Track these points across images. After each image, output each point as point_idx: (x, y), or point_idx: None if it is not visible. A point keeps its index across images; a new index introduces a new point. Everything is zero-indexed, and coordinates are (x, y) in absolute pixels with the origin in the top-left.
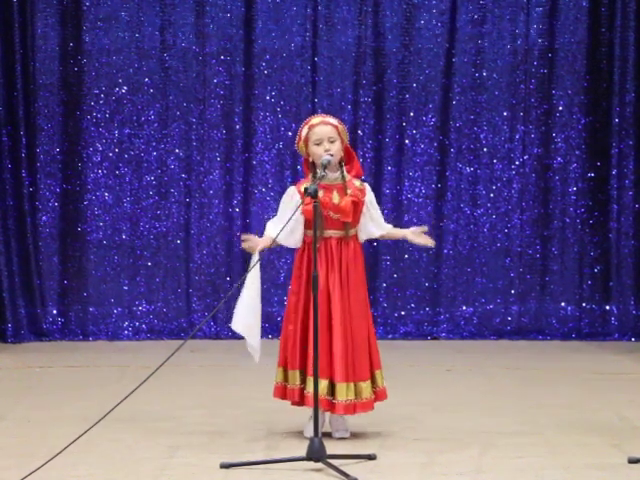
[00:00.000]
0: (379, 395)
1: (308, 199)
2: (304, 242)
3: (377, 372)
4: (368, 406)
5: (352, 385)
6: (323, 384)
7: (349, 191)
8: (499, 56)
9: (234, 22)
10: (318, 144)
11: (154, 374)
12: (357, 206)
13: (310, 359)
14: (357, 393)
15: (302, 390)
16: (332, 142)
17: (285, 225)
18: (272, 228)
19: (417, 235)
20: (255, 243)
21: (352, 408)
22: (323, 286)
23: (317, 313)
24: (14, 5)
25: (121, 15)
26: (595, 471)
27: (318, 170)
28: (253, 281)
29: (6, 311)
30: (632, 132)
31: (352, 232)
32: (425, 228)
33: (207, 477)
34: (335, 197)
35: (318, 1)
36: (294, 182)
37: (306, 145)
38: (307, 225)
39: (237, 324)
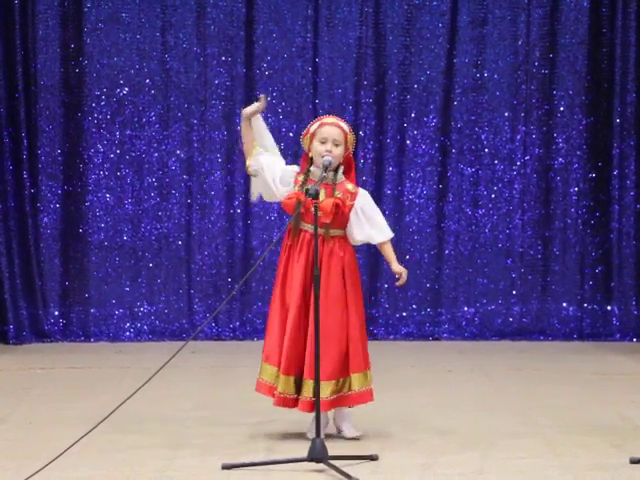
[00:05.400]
0: (354, 398)
1: (293, 193)
2: (287, 231)
3: (355, 375)
4: (324, 406)
5: (297, 381)
6: (290, 380)
7: (337, 193)
8: (500, 57)
9: (235, 23)
10: (322, 142)
11: (155, 375)
12: (339, 209)
13: (285, 357)
14: (300, 390)
15: (273, 388)
16: (336, 145)
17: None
18: (269, 159)
19: (399, 275)
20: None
21: (291, 402)
22: (296, 279)
23: (318, 314)
24: (15, 7)
25: (122, 16)
26: (597, 472)
27: (312, 168)
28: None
29: (7, 312)
30: (633, 132)
31: (334, 233)
32: (402, 282)
33: (208, 478)
34: (321, 195)
35: (319, 2)
36: (300, 169)
37: (310, 140)
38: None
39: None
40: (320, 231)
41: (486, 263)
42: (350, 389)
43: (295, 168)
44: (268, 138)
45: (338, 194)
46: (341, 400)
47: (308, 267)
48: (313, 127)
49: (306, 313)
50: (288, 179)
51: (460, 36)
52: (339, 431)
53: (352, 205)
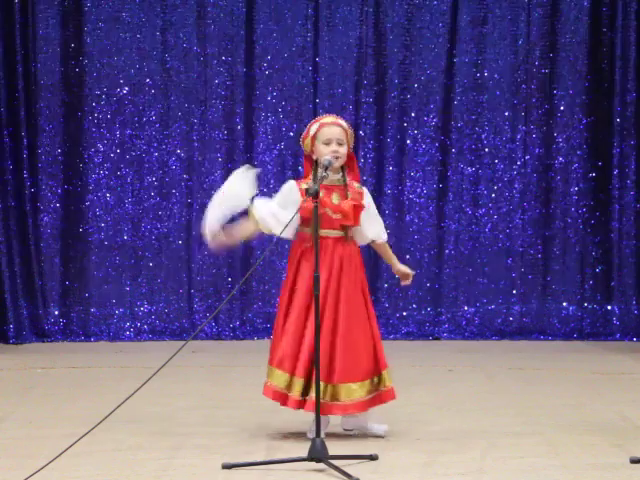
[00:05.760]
0: (387, 395)
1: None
2: (299, 238)
3: (384, 372)
4: (361, 406)
5: (329, 387)
6: (301, 383)
7: (350, 195)
8: (500, 56)
9: (235, 23)
10: (327, 144)
11: (156, 375)
12: (358, 210)
13: (300, 361)
14: (333, 395)
15: (283, 394)
16: (340, 144)
17: (287, 224)
18: (264, 210)
19: (403, 275)
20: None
21: (327, 409)
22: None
23: (318, 315)
24: (15, 6)
25: (122, 16)
26: (597, 471)
27: (319, 170)
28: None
29: (8, 312)
30: (633, 132)
31: (350, 234)
32: (408, 282)
33: (209, 478)
34: (335, 198)
35: (319, 1)
36: (295, 178)
37: (312, 142)
38: (304, 223)
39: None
40: (340, 234)
41: (486, 263)
42: (384, 385)
43: (291, 183)
44: (240, 199)
45: (350, 195)
46: (377, 398)
47: (332, 271)
48: (313, 128)
49: (329, 316)
50: (290, 201)
51: (460, 35)
52: (357, 430)
53: (363, 205)
